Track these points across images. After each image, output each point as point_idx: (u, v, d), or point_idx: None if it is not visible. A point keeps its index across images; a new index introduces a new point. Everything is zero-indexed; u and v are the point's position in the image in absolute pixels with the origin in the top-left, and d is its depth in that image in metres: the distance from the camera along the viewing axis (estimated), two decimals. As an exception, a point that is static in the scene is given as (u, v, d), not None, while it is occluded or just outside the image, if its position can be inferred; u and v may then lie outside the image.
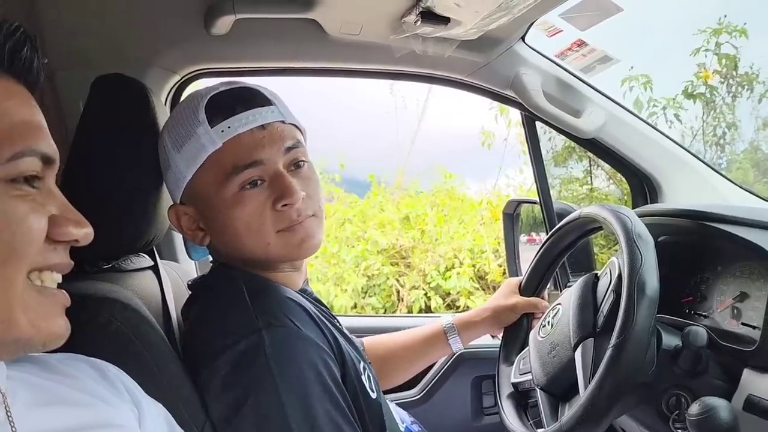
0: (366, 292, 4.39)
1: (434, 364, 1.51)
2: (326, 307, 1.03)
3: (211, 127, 0.85)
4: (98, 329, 0.74)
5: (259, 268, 0.93)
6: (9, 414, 0.53)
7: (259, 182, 0.86)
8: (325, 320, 0.91)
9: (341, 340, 0.92)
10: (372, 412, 0.93)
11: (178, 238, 1.41)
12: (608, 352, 0.82)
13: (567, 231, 1.13)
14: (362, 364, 0.96)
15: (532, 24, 1.36)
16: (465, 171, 5.03)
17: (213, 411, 0.81)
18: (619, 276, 0.93)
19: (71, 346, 0.64)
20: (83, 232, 0.55)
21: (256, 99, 0.89)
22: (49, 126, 0.56)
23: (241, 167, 0.85)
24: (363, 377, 0.94)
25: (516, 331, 1.23)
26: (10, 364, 0.58)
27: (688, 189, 1.50)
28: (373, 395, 0.95)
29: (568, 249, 1.17)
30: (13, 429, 0.52)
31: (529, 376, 1.06)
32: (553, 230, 1.17)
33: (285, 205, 0.87)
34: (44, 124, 0.55)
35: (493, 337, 1.49)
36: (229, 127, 0.85)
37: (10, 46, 0.53)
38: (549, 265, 1.21)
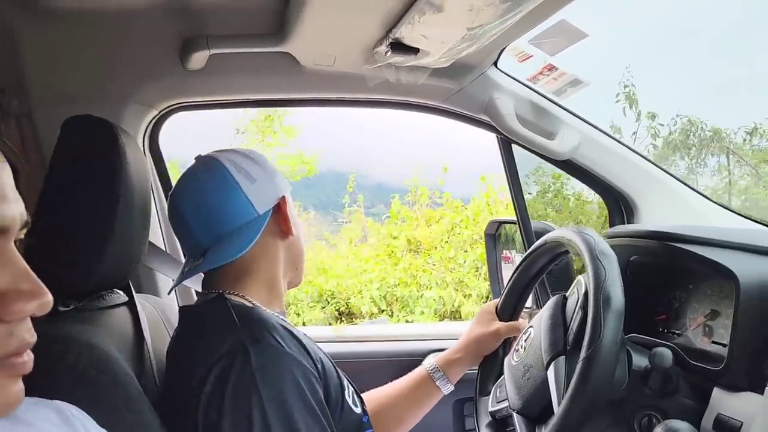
0: (488, 297, 4.30)
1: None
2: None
3: None
4: (64, 371, 0.74)
5: (265, 291, 1.03)
6: None
7: None
8: (307, 341, 0.96)
9: (324, 358, 0.97)
10: (354, 428, 0.98)
11: (159, 273, 1.42)
12: (578, 366, 0.83)
13: (538, 255, 1.15)
14: (345, 381, 1.02)
15: (503, 50, 1.38)
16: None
17: (198, 425, 0.84)
18: (586, 293, 0.94)
19: (37, 388, 0.65)
20: (36, 304, 0.48)
21: None
22: (31, 165, 0.52)
23: None
24: (346, 393, 0.99)
25: (491, 360, 1.24)
26: None
27: (663, 207, 1.52)
28: (357, 410, 1.00)
29: (541, 272, 1.19)
30: None
31: (506, 404, 1.07)
32: (524, 255, 1.19)
33: None
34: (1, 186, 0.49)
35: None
36: None
37: None
38: (524, 289, 1.22)
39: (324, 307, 6.59)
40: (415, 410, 1.24)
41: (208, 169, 1.02)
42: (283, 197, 1.05)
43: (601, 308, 0.84)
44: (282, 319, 0.99)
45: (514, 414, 1.02)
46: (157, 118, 1.42)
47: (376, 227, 7.34)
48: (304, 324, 6.40)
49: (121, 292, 1.02)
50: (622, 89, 5.49)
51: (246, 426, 0.81)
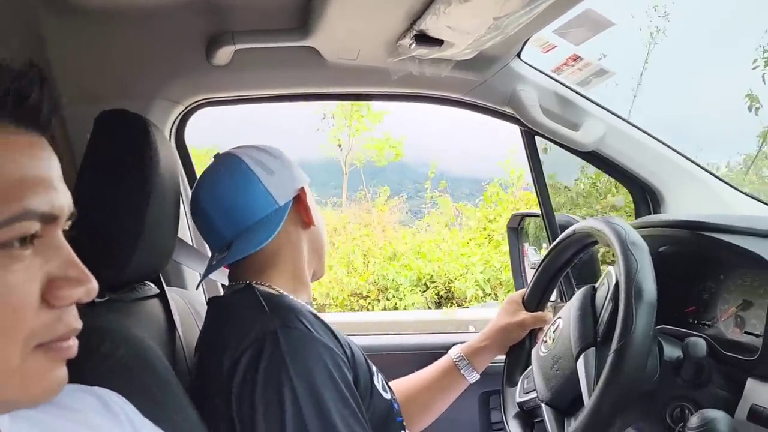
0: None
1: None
2: None
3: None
4: (101, 360, 0.76)
5: (291, 281, 1.05)
6: None
7: None
8: (335, 328, 0.98)
9: (352, 345, 0.99)
10: (384, 413, 0.99)
11: (186, 267, 1.43)
12: (609, 358, 0.82)
13: (565, 246, 1.14)
14: (374, 368, 1.03)
15: (526, 41, 1.38)
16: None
17: (233, 413, 0.85)
18: (617, 284, 0.93)
19: (74, 378, 0.66)
20: (83, 291, 0.50)
21: None
22: (61, 162, 0.51)
23: None
24: (375, 379, 1.01)
25: (518, 351, 1.23)
26: None
27: (690, 198, 1.50)
28: (387, 396, 1.02)
29: (568, 263, 1.18)
30: None
31: (533, 394, 1.07)
32: (551, 246, 1.18)
33: None
34: (49, 176, 0.50)
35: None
36: None
37: (14, 96, 0.48)
38: (550, 280, 1.21)
39: (424, 291, 6.58)
40: (441, 399, 1.25)
41: (227, 164, 1.04)
42: (302, 188, 1.07)
43: (633, 300, 0.83)
44: (310, 308, 1.01)
45: (543, 405, 1.01)
46: (183, 113, 1.43)
47: (469, 211, 7.34)
48: (405, 308, 6.40)
49: (152, 285, 1.04)
50: (760, 55, 5.14)
51: (278, 410, 0.83)
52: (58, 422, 0.60)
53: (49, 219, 0.49)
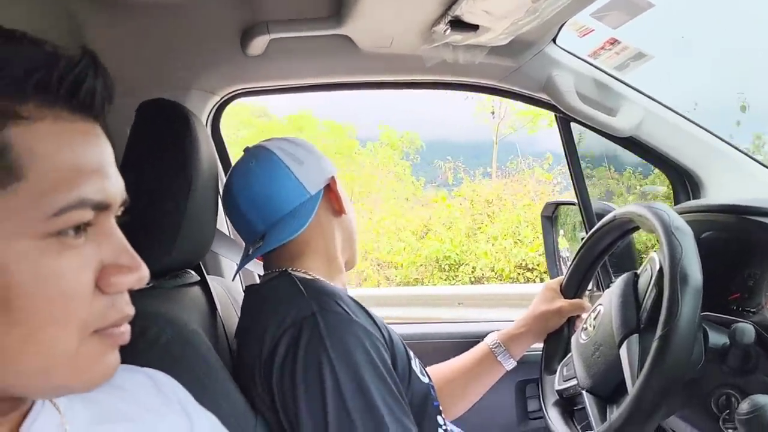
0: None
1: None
2: None
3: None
4: (148, 344, 0.77)
5: (325, 267, 1.06)
6: None
7: None
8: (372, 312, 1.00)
9: (390, 329, 1.00)
10: (422, 396, 0.99)
11: (222, 257, 1.45)
12: (654, 345, 0.81)
13: (604, 233, 1.12)
14: (411, 352, 1.04)
15: (562, 25, 1.36)
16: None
17: (274, 397, 0.87)
18: (660, 270, 0.92)
19: (123, 360, 0.67)
20: (135, 278, 0.50)
21: None
22: None
23: None
24: (413, 363, 1.02)
25: (556, 338, 1.22)
26: None
27: (731, 184, 1.46)
28: (424, 380, 1.02)
29: (607, 251, 1.16)
30: None
31: (573, 382, 1.06)
32: (590, 233, 1.16)
33: None
34: (103, 163, 0.50)
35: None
36: None
37: (69, 83, 0.47)
38: (588, 267, 1.19)
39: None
40: (477, 386, 1.24)
41: (258, 157, 1.05)
42: (332, 177, 1.08)
43: (678, 285, 0.81)
44: (346, 291, 1.02)
45: (584, 392, 1.00)
46: (219, 104, 1.45)
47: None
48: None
49: (192, 272, 1.05)
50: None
51: (319, 392, 0.83)
52: (110, 401, 0.61)
53: (102, 207, 0.49)
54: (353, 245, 1.15)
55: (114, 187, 0.50)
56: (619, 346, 0.93)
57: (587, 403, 0.98)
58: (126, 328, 0.52)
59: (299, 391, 0.84)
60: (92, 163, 0.49)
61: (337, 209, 1.09)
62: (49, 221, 0.45)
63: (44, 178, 0.45)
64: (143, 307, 0.81)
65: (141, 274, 0.51)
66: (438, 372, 1.23)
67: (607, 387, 0.97)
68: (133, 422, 0.60)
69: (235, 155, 1.29)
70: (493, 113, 9.55)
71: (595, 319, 1.04)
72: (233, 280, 1.33)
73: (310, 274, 1.03)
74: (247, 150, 1.09)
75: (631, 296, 0.99)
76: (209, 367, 0.81)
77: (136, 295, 0.85)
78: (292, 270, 1.02)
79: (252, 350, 0.92)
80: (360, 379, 0.85)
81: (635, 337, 0.92)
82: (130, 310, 0.52)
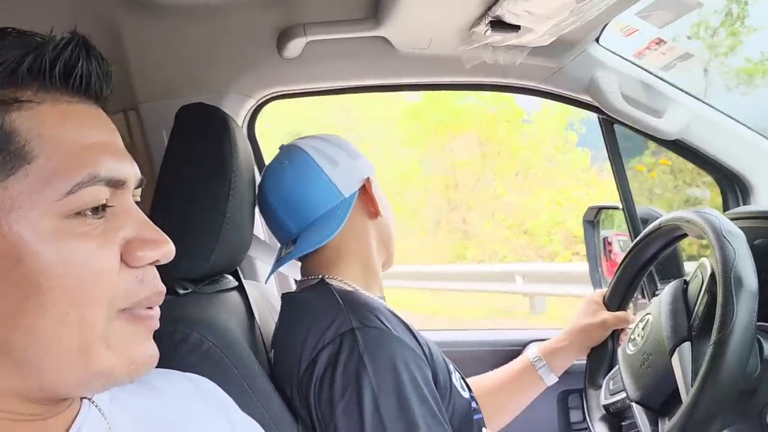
0: None
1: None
2: None
3: None
4: (191, 349, 0.76)
5: (362, 274, 1.04)
6: None
7: None
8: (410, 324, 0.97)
9: (429, 342, 0.97)
10: (464, 412, 0.96)
11: (258, 261, 1.45)
12: (709, 351, 0.77)
13: (651, 240, 1.08)
14: (451, 365, 1.01)
15: (606, 25, 1.32)
16: None
17: (314, 411, 0.85)
18: (712, 275, 0.88)
19: (165, 366, 0.66)
20: (162, 252, 0.51)
21: None
22: (138, 157, 0.53)
23: None
24: (453, 377, 0.98)
25: (600, 352, 1.18)
26: None
27: (784, 188, 1.41)
28: (465, 395, 0.99)
29: (653, 260, 1.12)
30: None
31: (620, 395, 1.02)
32: (634, 242, 1.12)
33: None
34: (111, 142, 0.51)
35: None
36: None
37: (61, 66, 0.48)
38: (633, 278, 1.15)
39: None
40: (517, 400, 1.20)
41: (291, 157, 1.03)
42: (368, 178, 1.06)
43: (733, 289, 0.78)
44: (386, 304, 0.99)
45: (633, 405, 0.96)
46: (255, 107, 1.44)
47: None
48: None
49: (230, 277, 1.04)
50: None
51: (357, 410, 0.81)
52: (153, 407, 0.60)
53: (116, 184, 0.49)
54: (390, 247, 1.12)
55: (126, 166, 0.51)
56: (671, 354, 0.89)
57: (637, 417, 0.94)
58: (156, 312, 0.53)
59: (337, 409, 0.82)
60: (98, 141, 0.49)
61: (373, 211, 1.06)
62: (65, 200, 0.46)
63: (53, 158, 0.46)
64: (185, 314, 0.82)
65: (166, 249, 0.51)
66: (480, 384, 1.20)
67: (659, 398, 0.92)
68: (176, 428, 0.60)
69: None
70: (705, 70, 8.83)
71: (643, 328, 1.00)
72: (266, 283, 1.32)
73: (348, 284, 1.01)
74: (282, 148, 1.08)
75: (682, 303, 0.95)
76: (251, 374, 0.80)
77: (176, 302, 0.85)
78: (329, 278, 1.00)
79: (289, 363, 0.90)
80: (400, 398, 0.82)
81: (687, 345, 0.88)
82: (161, 286, 0.52)
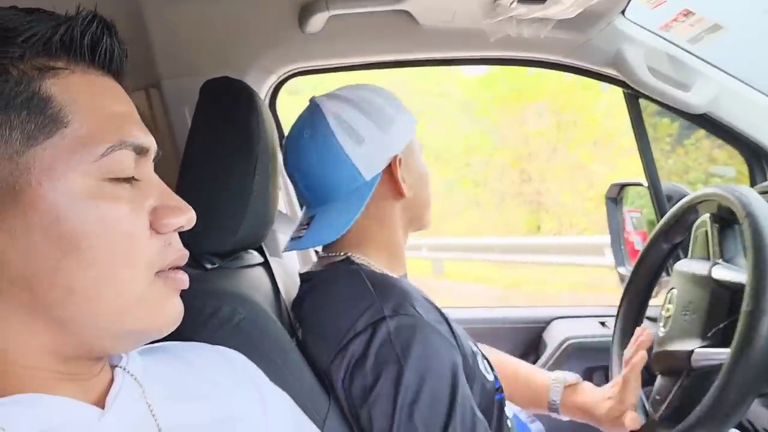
0: None
1: (542, 356, 1.48)
2: None
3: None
4: (222, 322, 0.77)
5: (385, 256, 1.00)
6: (151, 408, 0.55)
7: None
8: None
9: (457, 326, 0.95)
10: (487, 393, 0.95)
11: (280, 234, 1.45)
12: (741, 320, 0.77)
13: (678, 218, 1.06)
14: (476, 347, 1.00)
15: (633, -4, 1.29)
16: None
17: (343, 398, 0.85)
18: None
19: (196, 339, 0.67)
20: (185, 219, 0.54)
21: None
22: (159, 133, 0.56)
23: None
24: (479, 360, 0.96)
25: (626, 326, 1.16)
26: (143, 354, 0.61)
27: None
28: (490, 377, 0.97)
29: (680, 242, 1.10)
30: (156, 423, 0.54)
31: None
32: (662, 220, 1.10)
33: None
34: (134, 113, 0.54)
35: (602, 324, 1.44)
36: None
37: (89, 38, 0.51)
38: (662, 260, 1.12)
39: None
40: (526, 401, 1.15)
41: (312, 125, 0.96)
42: (395, 157, 0.97)
43: (766, 261, 0.78)
44: (417, 287, 0.97)
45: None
46: (277, 83, 1.44)
47: None
48: None
49: (255, 253, 1.05)
50: None
51: (389, 400, 0.80)
52: (185, 379, 0.61)
53: (141, 151, 0.53)
54: (422, 218, 1.05)
55: (148, 134, 0.54)
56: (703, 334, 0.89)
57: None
58: (184, 274, 0.56)
59: (368, 398, 0.81)
60: (124, 111, 0.53)
61: (398, 192, 0.99)
62: (99, 163, 0.49)
63: (86, 123, 0.49)
64: (214, 287, 0.82)
65: (190, 214, 0.55)
66: (505, 369, 1.15)
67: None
68: (207, 400, 0.61)
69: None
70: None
71: (670, 302, 1.00)
72: (282, 254, 1.32)
73: (375, 266, 0.97)
74: (311, 102, 1.00)
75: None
76: (281, 347, 0.81)
77: (205, 276, 0.86)
78: (354, 257, 0.97)
79: (318, 347, 0.88)
80: (433, 386, 0.81)
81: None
82: (185, 250, 0.56)
